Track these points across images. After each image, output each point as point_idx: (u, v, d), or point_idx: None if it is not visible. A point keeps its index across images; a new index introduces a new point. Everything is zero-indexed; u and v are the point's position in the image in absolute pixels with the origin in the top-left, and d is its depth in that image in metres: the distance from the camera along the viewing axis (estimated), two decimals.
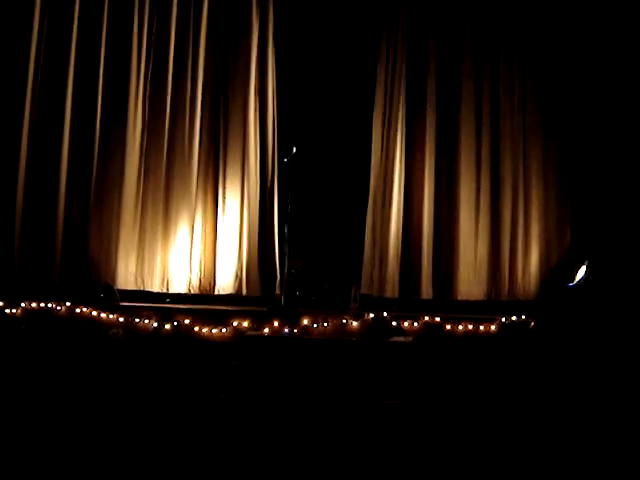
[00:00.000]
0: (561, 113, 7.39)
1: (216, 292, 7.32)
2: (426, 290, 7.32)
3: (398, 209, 7.35)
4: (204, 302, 7.11)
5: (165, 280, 7.41)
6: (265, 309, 6.56)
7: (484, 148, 7.47)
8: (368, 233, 7.33)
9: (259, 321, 6.06)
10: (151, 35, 7.51)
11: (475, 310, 6.78)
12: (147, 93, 7.48)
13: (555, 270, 7.25)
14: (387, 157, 7.42)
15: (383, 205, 7.35)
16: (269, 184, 7.47)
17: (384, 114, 7.45)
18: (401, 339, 5.70)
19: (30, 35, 7.15)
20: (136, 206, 7.39)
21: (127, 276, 7.32)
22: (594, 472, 3.65)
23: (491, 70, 7.50)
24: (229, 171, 7.47)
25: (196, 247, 7.38)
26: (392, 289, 7.26)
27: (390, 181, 7.37)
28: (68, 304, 6.21)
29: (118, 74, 7.42)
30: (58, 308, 6.21)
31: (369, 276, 7.26)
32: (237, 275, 7.33)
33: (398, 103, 7.42)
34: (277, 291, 7.19)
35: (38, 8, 7.18)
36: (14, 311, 6.17)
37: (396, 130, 7.40)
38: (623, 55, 7.15)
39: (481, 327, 5.75)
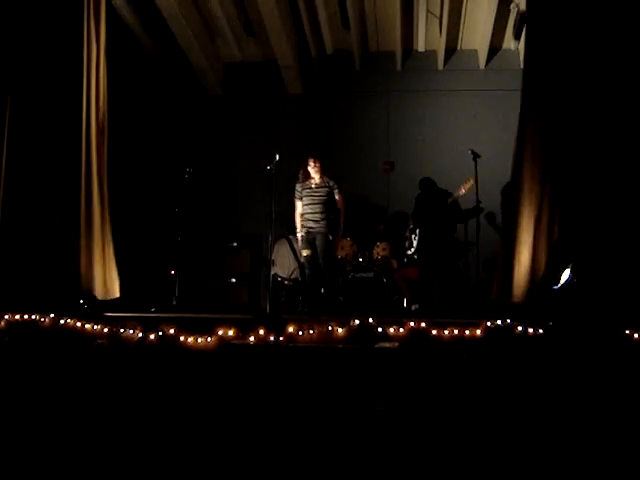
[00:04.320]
0: (551, 112, 7.43)
1: None
2: None
3: None
4: (190, 311, 7.11)
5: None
6: (250, 317, 6.55)
7: None
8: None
9: (244, 329, 6.02)
10: None
11: (462, 314, 6.81)
12: None
13: (543, 272, 7.28)
14: None
15: None
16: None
17: None
18: (387, 345, 5.68)
19: None
20: None
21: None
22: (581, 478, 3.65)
23: None
24: None
25: None
26: None
27: None
28: (52, 315, 6.16)
29: None
30: (42, 320, 6.16)
31: None
32: None
33: None
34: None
35: None
36: None
37: None
38: (601, 67, 7.18)
39: (467, 331, 5.73)
